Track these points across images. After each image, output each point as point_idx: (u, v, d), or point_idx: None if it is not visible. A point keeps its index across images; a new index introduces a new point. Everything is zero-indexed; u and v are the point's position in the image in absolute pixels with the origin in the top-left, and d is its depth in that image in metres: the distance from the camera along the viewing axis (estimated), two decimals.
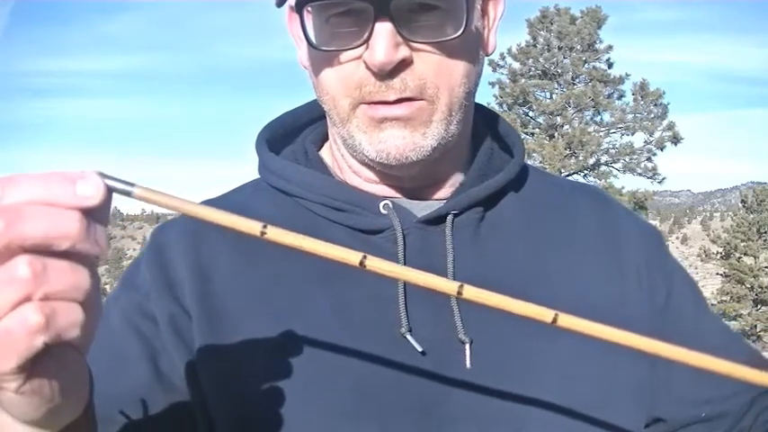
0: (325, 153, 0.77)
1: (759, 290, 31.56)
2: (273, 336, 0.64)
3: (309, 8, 0.64)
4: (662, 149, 24.19)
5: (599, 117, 25.30)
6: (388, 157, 0.65)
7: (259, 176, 0.76)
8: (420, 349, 0.64)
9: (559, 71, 25.08)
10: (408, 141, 0.64)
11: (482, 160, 0.75)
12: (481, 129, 0.77)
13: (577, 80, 25.16)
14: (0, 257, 0.37)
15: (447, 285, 0.46)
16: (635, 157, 24.43)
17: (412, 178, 0.71)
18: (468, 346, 0.65)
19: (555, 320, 0.46)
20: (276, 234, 0.43)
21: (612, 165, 24.94)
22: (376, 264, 0.44)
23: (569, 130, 24.64)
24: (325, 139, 0.78)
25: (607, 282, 0.73)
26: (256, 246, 0.63)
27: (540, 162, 24.35)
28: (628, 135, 24.92)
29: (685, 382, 0.73)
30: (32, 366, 0.38)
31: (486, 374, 0.65)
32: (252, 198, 0.74)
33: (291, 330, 0.64)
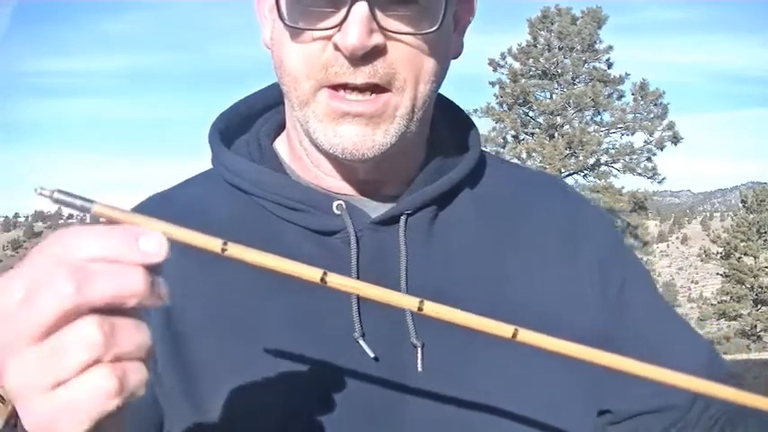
0: (279, 144, 0.75)
1: (759, 290, 31.56)
2: (229, 347, 0.63)
3: None
4: (662, 149, 24.19)
5: (599, 117, 25.31)
6: (343, 152, 0.63)
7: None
8: (372, 355, 0.63)
9: (560, 71, 25.08)
10: (367, 139, 0.63)
11: (437, 157, 0.74)
12: (439, 121, 0.75)
13: (577, 80, 25.16)
14: (67, 317, 0.36)
15: (408, 301, 0.46)
16: (635, 157, 24.43)
17: (366, 172, 0.69)
18: (419, 350, 0.64)
19: (515, 335, 0.46)
20: (237, 251, 0.43)
21: (612, 165, 24.94)
22: (336, 280, 0.44)
23: (569, 130, 24.64)
24: (281, 128, 0.76)
25: (561, 279, 0.72)
26: (208, 259, 0.62)
27: (540, 162, 24.35)
28: (628, 135, 24.92)
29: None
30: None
31: (437, 378, 0.64)
32: (208, 192, 0.72)
33: (246, 339, 0.63)
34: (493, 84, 25.14)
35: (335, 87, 0.62)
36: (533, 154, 24.72)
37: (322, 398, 0.61)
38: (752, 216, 33.54)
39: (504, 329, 0.46)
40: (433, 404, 0.64)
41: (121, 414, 0.39)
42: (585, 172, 25.13)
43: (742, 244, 32.96)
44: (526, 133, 25.75)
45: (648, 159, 24.35)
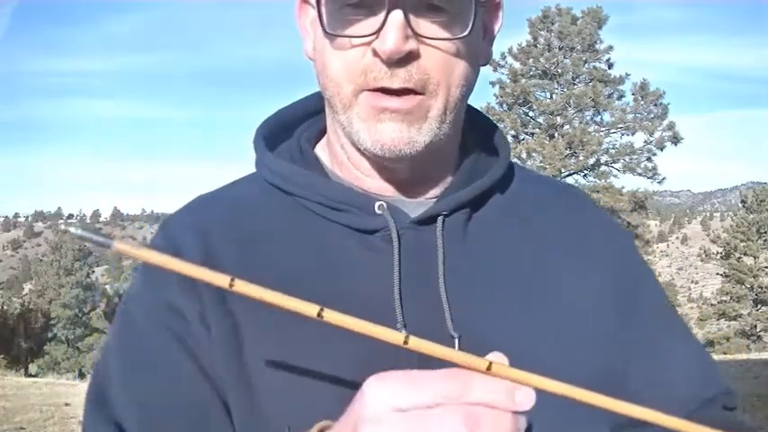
0: (319, 149, 0.80)
1: (759, 290, 31.54)
2: (280, 334, 0.66)
3: None
4: (662, 149, 24.18)
5: (599, 117, 25.30)
6: (383, 149, 0.68)
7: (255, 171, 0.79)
8: (405, 342, 0.65)
9: (560, 71, 25.07)
10: (404, 135, 0.67)
11: (469, 162, 0.78)
12: (469, 130, 0.80)
13: (578, 80, 25.15)
14: None
15: (393, 336, 0.49)
16: (635, 157, 24.42)
17: (403, 172, 0.73)
18: (457, 341, 0.67)
19: (489, 368, 0.49)
20: (243, 287, 0.48)
21: (612, 165, 24.93)
22: (332, 316, 0.48)
23: (569, 130, 24.63)
24: (321, 135, 0.80)
25: (581, 281, 0.76)
26: (258, 245, 0.71)
27: (541, 162, 24.34)
28: (628, 135, 24.90)
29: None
30: None
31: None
32: (253, 193, 0.77)
33: (296, 329, 0.66)
34: (493, 84, 25.13)
35: (373, 91, 0.67)
36: (533, 154, 24.71)
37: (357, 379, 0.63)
38: (752, 216, 33.54)
39: (478, 363, 0.49)
40: None
41: None
42: (585, 172, 25.12)
43: (742, 244, 32.96)
44: (526, 133, 25.74)
45: (648, 159, 24.35)
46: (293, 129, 0.81)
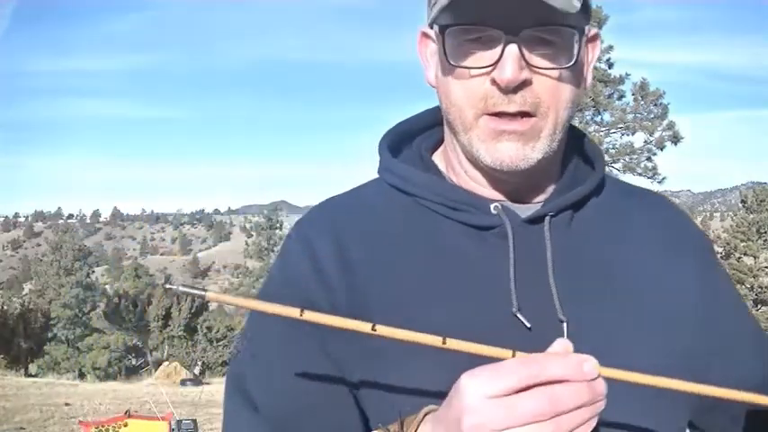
0: (437, 158, 0.90)
1: (759, 290, 31.55)
2: (404, 318, 0.70)
3: (448, 31, 0.76)
4: (662, 149, 24.18)
5: (599, 117, 25.28)
6: (502, 165, 0.77)
7: (378, 176, 0.89)
8: (528, 326, 0.76)
9: None
10: (520, 153, 0.77)
11: (570, 171, 0.88)
12: (569, 143, 0.89)
13: None
14: (537, 416, 0.57)
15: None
16: (635, 156, 24.43)
17: (515, 183, 0.83)
18: (565, 325, 0.77)
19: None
20: (312, 316, 0.62)
21: (612, 165, 24.91)
22: (383, 330, 0.61)
23: None
24: (437, 145, 0.91)
25: (670, 275, 0.86)
26: (383, 242, 0.82)
27: None
28: (628, 135, 24.88)
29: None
30: None
31: (579, 350, 0.73)
32: (375, 197, 0.88)
33: (420, 313, 0.74)
34: None
35: (492, 115, 0.76)
36: None
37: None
38: (752, 216, 33.53)
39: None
40: None
41: None
42: None
43: (742, 244, 32.95)
44: None
45: (648, 159, 24.35)
46: (412, 139, 0.92)
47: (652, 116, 24.24)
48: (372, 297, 0.79)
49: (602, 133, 24.90)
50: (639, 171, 24.48)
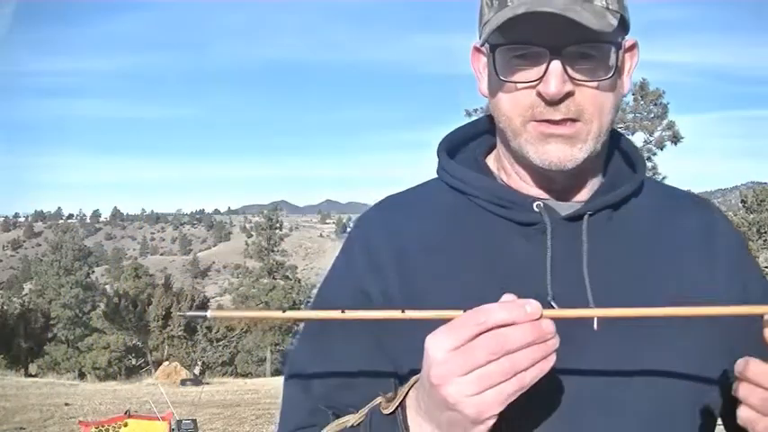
0: (490, 161, 0.98)
1: None
2: (445, 304, 0.76)
3: (498, 50, 0.84)
4: (662, 149, 24.20)
5: None
6: (550, 165, 0.85)
7: (437, 176, 0.98)
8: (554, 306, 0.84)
9: None
10: (567, 154, 0.84)
11: (612, 172, 0.96)
12: (612, 147, 0.97)
13: None
14: (491, 356, 0.66)
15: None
16: None
17: (561, 182, 0.91)
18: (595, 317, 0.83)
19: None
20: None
21: None
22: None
23: None
24: (490, 150, 0.99)
25: (701, 276, 0.92)
26: (437, 238, 0.91)
27: None
28: (628, 135, 24.78)
29: None
30: None
31: (609, 337, 0.84)
32: (432, 195, 0.97)
33: (461, 299, 0.77)
34: None
35: (539, 121, 0.84)
36: None
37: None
38: (752, 216, 33.54)
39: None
40: (604, 358, 0.84)
41: None
42: None
43: None
44: None
45: (648, 159, 24.34)
46: (467, 144, 1.01)
47: (652, 116, 24.26)
48: (422, 284, 0.88)
49: None
50: None
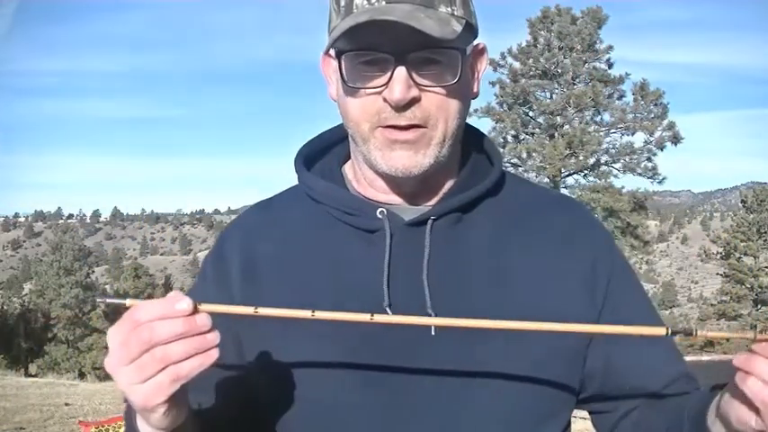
0: (347, 168, 1.00)
1: (759, 290, 31.53)
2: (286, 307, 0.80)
3: (344, 56, 0.85)
4: (662, 149, 24.19)
5: (599, 117, 25.30)
6: (396, 171, 0.87)
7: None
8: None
9: (560, 71, 25.07)
10: (412, 160, 0.86)
11: (465, 173, 0.96)
12: (470, 146, 0.98)
13: (577, 80, 25.15)
14: (143, 347, 0.69)
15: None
16: (635, 156, 24.42)
17: (410, 186, 0.92)
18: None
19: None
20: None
21: (612, 165, 24.93)
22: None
23: (569, 130, 24.63)
24: (349, 157, 1.00)
25: (556, 275, 0.92)
26: (290, 240, 0.94)
27: (541, 162, 24.33)
28: (628, 135, 24.86)
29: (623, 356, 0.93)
30: (171, 398, 0.71)
31: (446, 342, 0.86)
32: (294, 200, 1.00)
33: (301, 304, 0.80)
34: (493, 84, 25.14)
35: (385, 127, 0.85)
36: (533, 154, 24.71)
37: (348, 352, 0.86)
38: (752, 216, 33.54)
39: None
40: (442, 362, 0.86)
41: (185, 394, 0.74)
42: (585, 172, 25.11)
43: (742, 244, 32.95)
44: (526, 133, 25.74)
45: (648, 159, 24.36)
46: (326, 151, 1.02)
47: (652, 116, 24.25)
48: (265, 293, 0.91)
49: (602, 133, 24.90)
50: (639, 171, 24.48)
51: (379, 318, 0.74)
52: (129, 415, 0.80)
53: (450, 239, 0.90)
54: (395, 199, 0.93)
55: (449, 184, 0.94)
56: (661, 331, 0.74)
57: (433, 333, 0.86)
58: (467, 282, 0.88)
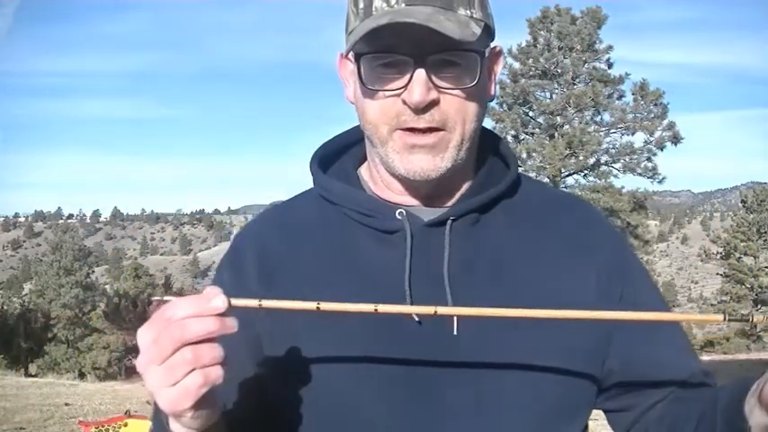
0: (363, 170, 1.00)
1: (759, 290, 31.53)
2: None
3: (363, 58, 0.85)
4: (662, 149, 24.17)
5: (599, 117, 25.28)
6: (415, 175, 0.87)
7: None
8: (417, 319, 0.87)
9: (559, 71, 25.06)
10: (431, 164, 0.86)
11: (482, 175, 0.96)
12: (486, 149, 0.98)
13: (577, 80, 25.13)
14: (175, 345, 0.68)
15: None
16: (635, 156, 24.41)
17: (427, 189, 0.92)
18: (456, 318, 0.85)
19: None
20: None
21: (612, 165, 24.92)
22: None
23: (569, 130, 24.61)
24: (365, 158, 1.00)
25: (572, 278, 0.92)
26: (305, 242, 0.94)
27: (540, 162, 24.32)
28: (628, 135, 24.86)
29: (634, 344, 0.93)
30: (198, 402, 0.70)
31: (468, 340, 0.86)
32: (307, 204, 0.99)
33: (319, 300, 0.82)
34: None
35: (404, 130, 0.85)
36: (533, 154, 24.70)
37: (371, 351, 0.86)
38: (752, 216, 33.54)
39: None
40: (464, 363, 0.86)
41: (213, 396, 0.72)
42: (585, 172, 25.11)
43: (742, 244, 32.95)
44: (526, 133, 25.74)
45: (648, 159, 24.35)
46: (342, 153, 1.02)
47: (652, 116, 24.23)
48: (283, 290, 0.89)
49: (602, 133, 24.89)
50: (639, 171, 24.46)
51: (383, 308, 0.73)
52: (159, 415, 0.78)
53: (468, 239, 0.91)
54: (411, 201, 0.93)
55: (465, 187, 0.94)
56: (718, 318, 0.73)
57: (455, 332, 0.86)
58: (486, 281, 0.89)
